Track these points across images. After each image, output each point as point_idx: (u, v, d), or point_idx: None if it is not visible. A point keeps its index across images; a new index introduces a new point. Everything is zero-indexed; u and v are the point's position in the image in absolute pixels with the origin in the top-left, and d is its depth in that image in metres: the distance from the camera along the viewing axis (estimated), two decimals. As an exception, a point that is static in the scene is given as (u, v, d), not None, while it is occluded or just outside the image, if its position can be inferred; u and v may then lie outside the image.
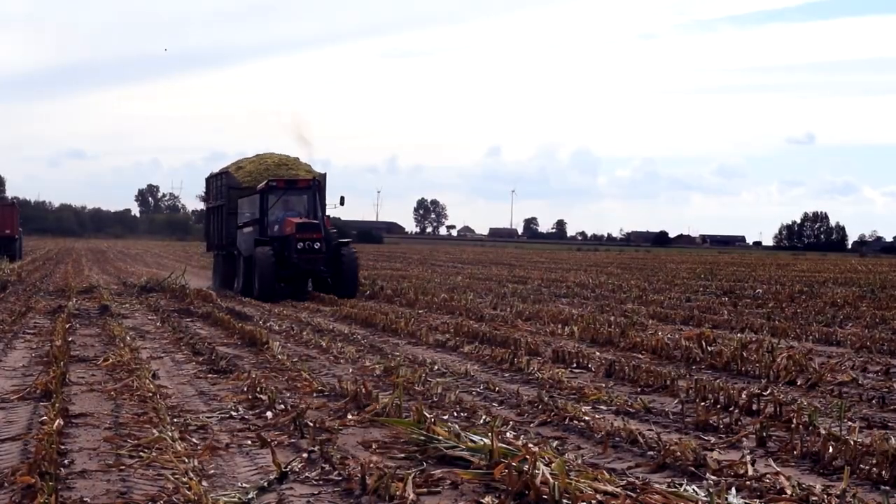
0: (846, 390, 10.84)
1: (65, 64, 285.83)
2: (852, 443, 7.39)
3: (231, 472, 7.04)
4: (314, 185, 27.64)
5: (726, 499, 6.01)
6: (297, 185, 27.86)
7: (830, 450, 7.36)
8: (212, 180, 33.33)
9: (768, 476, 6.67)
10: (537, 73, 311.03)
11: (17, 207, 57.97)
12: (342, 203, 27.76)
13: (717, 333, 15.84)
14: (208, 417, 9.09)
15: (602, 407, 9.83)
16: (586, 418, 8.90)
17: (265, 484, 6.62)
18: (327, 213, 28.45)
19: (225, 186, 30.57)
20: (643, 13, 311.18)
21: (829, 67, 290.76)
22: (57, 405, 8.72)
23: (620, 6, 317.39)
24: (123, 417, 8.86)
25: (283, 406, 9.36)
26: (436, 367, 12.53)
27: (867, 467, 7.04)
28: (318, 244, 26.23)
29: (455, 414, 9.16)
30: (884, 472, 6.88)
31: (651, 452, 7.59)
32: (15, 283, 31.20)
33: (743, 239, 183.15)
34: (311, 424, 8.41)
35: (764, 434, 8.12)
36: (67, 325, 16.71)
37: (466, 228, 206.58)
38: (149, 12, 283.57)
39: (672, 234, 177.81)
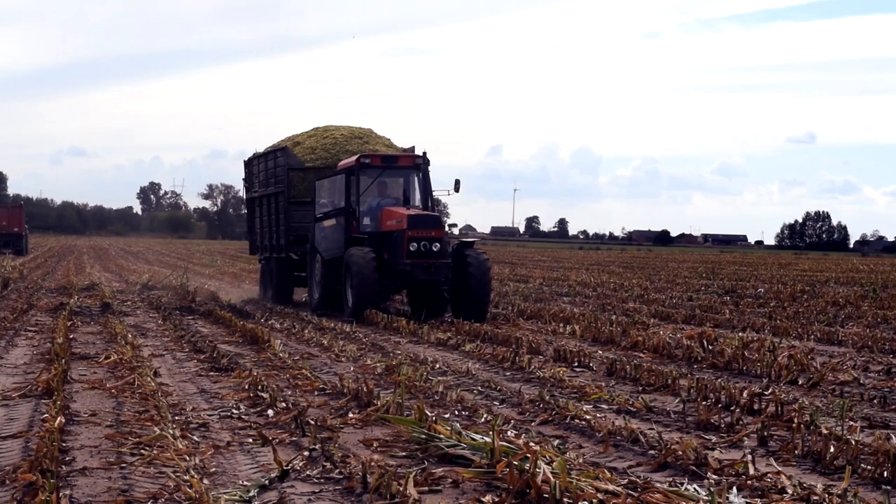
0: (848, 390, 10.84)
1: (66, 62, 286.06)
2: (854, 442, 7.38)
3: (232, 470, 7.04)
4: (421, 164, 20.39)
5: (727, 498, 6.01)
6: (397, 162, 20.73)
7: (832, 449, 7.36)
8: (258, 161, 25.63)
9: (769, 475, 6.67)
10: (539, 71, 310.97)
11: (23, 207, 65.76)
12: (457, 188, 20.36)
13: (718, 332, 15.83)
14: (209, 415, 9.09)
15: (603, 406, 9.83)
16: (587, 417, 8.90)
17: (266, 482, 6.62)
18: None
19: (282, 167, 23.27)
20: (646, 12, 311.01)
21: (830, 67, 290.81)
22: (58, 403, 8.72)
23: (624, 5, 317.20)
24: (125, 415, 8.87)
25: (284, 404, 9.36)
26: (437, 366, 12.53)
27: (868, 467, 7.04)
28: (438, 245, 19.05)
29: (456, 412, 9.17)
30: (885, 472, 6.87)
31: (652, 451, 7.58)
32: (17, 280, 31.22)
33: (745, 238, 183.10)
34: (313, 423, 8.41)
35: (765, 433, 8.12)
36: (69, 323, 16.72)
37: (468, 227, 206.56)
38: (150, 10, 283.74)
39: (674, 234, 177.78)
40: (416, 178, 20.66)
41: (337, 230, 20.35)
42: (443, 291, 19.61)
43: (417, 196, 20.69)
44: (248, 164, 26.43)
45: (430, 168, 20.58)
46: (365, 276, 18.72)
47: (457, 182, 20.39)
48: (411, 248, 18.98)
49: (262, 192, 25.01)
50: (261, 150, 26.08)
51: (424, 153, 20.58)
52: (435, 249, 19.07)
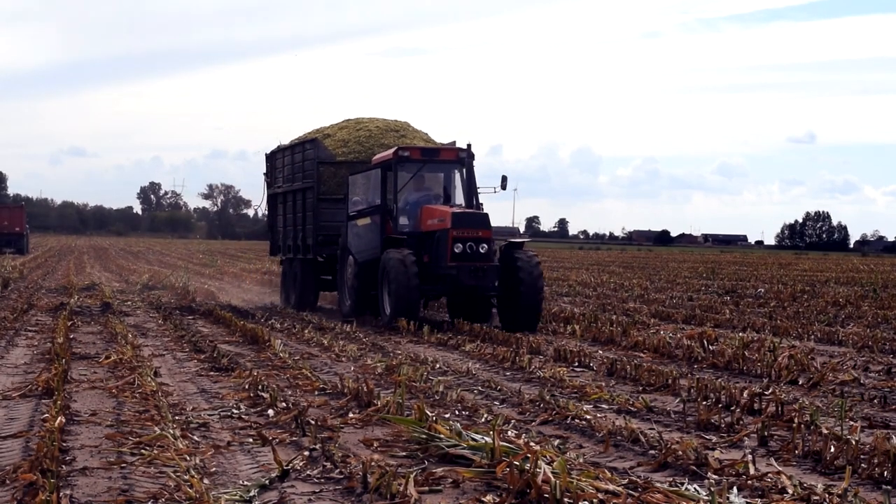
0: (848, 390, 10.84)
1: (66, 62, 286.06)
2: (854, 442, 7.38)
3: (232, 470, 7.04)
4: (464, 159, 18.66)
5: (728, 498, 6.01)
6: (438, 155, 18.95)
7: (832, 449, 7.36)
8: (282, 154, 23.62)
9: (770, 475, 6.67)
10: (539, 71, 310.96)
11: (24, 207, 67.63)
12: (504, 186, 18.56)
13: (718, 332, 15.84)
14: (210, 415, 9.09)
15: (603, 406, 9.83)
16: (588, 417, 8.90)
17: (267, 482, 6.62)
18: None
19: (311, 161, 21.43)
20: (646, 12, 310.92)
21: (830, 67, 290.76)
22: (58, 403, 8.72)
23: (624, 5, 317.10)
24: (125, 415, 8.86)
25: (284, 404, 9.36)
26: (437, 366, 12.53)
27: (869, 467, 7.04)
28: (486, 246, 17.35)
29: (456, 412, 9.17)
30: (885, 472, 6.87)
31: (652, 451, 7.58)
32: (17, 280, 31.22)
33: (745, 238, 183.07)
34: (313, 422, 8.41)
35: (765, 433, 8.12)
36: (69, 323, 16.72)
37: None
38: (150, 10, 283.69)
39: (674, 234, 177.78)
40: (458, 174, 18.90)
41: (372, 230, 18.55)
42: (489, 298, 18.06)
43: (459, 193, 18.93)
44: (271, 157, 24.40)
45: (474, 163, 18.93)
46: (404, 282, 16.96)
47: (503, 179, 18.59)
48: (456, 250, 17.22)
49: (287, 187, 23.03)
50: (275, 144, 24.48)
51: (469, 146, 18.82)
52: (482, 251, 17.31)
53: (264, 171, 24.81)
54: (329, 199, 21.09)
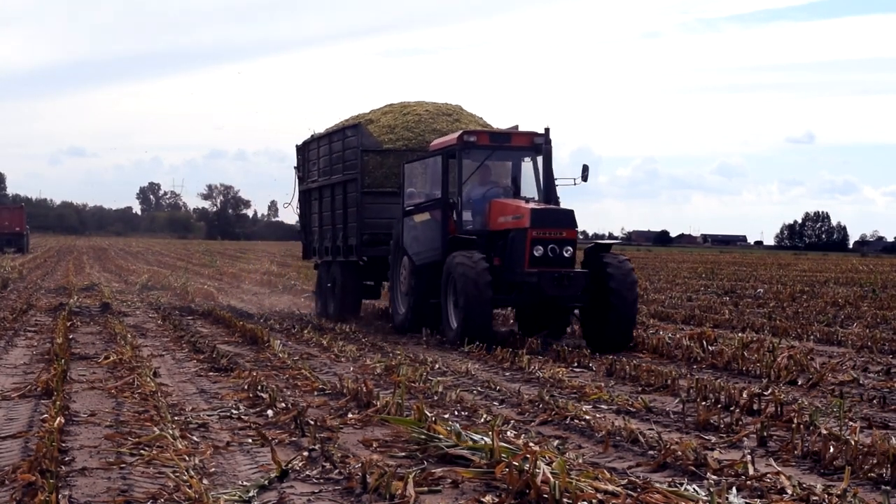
0: (847, 390, 10.84)
1: (66, 62, 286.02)
2: (853, 443, 7.38)
3: (232, 471, 7.04)
4: (541, 145, 16.11)
5: (727, 498, 6.01)
6: (509, 141, 16.35)
7: (831, 450, 7.36)
8: (317, 144, 21.02)
9: (769, 476, 6.67)
10: (539, 71, 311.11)
11: (24, 208, 70.12)
12: (585, 176, 15.85)
13: (718, 333, 15.84)
14: (209, 415, 9.09)
15: (603, 406, 9.83)
16: (587, 417, 8.90)
17: (266, 482, 6.62)
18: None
19: (353, 149, 18.84)
20: (646, 12, 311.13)
21: (830, 67, 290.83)
22: (58, 403, 8.72)
23: (624, 5, 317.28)
24: (124, 415, 8.86)
25: (283, 404, 9.36)
26: (437, 366, 12.53)
27: (868, 467, 7.04)
28: (570, 249, 14.98)
29: (456, 413, 9.17)
30: (885, 472, 6.87)
31: (652, 452, 7.59)
32: (16, 280, 31.22)
33: (744, 238, 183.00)
34: (312, 423, 8.41)
35: (765, 434, 8.12)
36: (68, 323, 16.72)
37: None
38: (149, 10, 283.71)
39: (673, 234, 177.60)
40: (531, 164, 16.45)
41: (431, 228, 16.08)
42: (571, 310, 15.67)
43: (531, 185, 16.47)
44: (304, 148, 21.92)
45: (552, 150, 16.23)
46: (476, 292, 14.40)
47: (584, 168, 15.85)
48: (535, 253, 14.70)
49: (324, 181, 20.36)
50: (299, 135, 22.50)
51: (547, 130, 16.13)
52: (567, 255, 14.85)
53: (295, 164, 22.42)
54: (375, 193, 18.63)
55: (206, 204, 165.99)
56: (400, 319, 16.79)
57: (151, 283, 30.74)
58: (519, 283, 14.88)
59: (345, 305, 19.75)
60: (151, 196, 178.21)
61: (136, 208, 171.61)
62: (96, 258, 56.65)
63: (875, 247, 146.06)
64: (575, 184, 15.94)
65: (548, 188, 16.22)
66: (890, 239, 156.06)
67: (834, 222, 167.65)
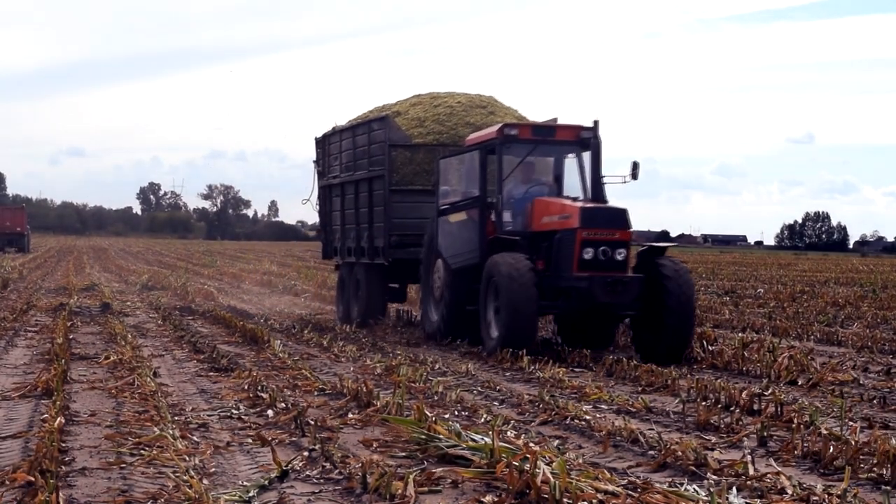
0: (847, 390, 10.85)
1: (66, 62, 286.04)
2: (853, 443, 7.39)
3: (232, 471, 7.04)
4: (589, 140, 14.78)
5: (727, 498, 6.01)
6: (554, 135, 15.14)
7: (831, 450, 7.36)
8: (339, 138, 19.68)
9: (769, 476, 6.67)
10: (538, 71, 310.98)
11: (25, 208, 72.10)
12: (635, 174, 14.55)
13: (718, 333, 15.85)
14: (209, 416, 9.09)
15: (603, 406, 9.83)
16: (587, 417, 8.91)
17: (266, 482, 6.62)
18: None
19: (380, 144, 17.64)
20: (647, 12, 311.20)
21: (830, 67, 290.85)
22: (58, 403, 8.72)
23: (625, 5, 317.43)
24: (124, 415, 8.86)
25: (284, 404, 9.36)
26: (437, 366, 12.54)
27: (868, 467, 7.05)
28: (623, 252, 13.78)
29: (456, 413, 9.17)
30: (885, 472, 6.87)
31: (652, 452, 7.59)
32: (16, 280, 31.23)
33: (744, 238, 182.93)
34: (312, 423, 8.41)
35: (765, 434, 8.12)
36: (69, 323, 16.72)
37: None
38: (149, 10, 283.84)
39: (673, 234, 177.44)
40: (576, 160, 15.24)
41: (468, 228, 14.86)
42: (621, 318, 14.51)
43: (576, 183, 15.24)
44: (323, 141, 20.50)
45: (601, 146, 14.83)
46: (521, 298, 13.23)
47: (634, 165, 14.58)
48: (585, 256, 13.53)
49: (347, 176, 19.10)
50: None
51: (596, 123, 14.82)
52: (619, 258, 13.66)
53: (314, 158, 21.11)
54: (403, 191, 17.44)
55: (206, 204, 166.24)
56: (433, 327, 15.64)
57: (152, 284, 30.74)
58: (566, 288, 13.64)
59: (369, 310, 18.48)
60: (151, 196, 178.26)
61: (136, 208, 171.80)
62: (96, 258, 56.66)
63: (875, 247, 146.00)
64: (625, 182, 14.63)
65: (596, 187, 14.82)
66: (890, 239, 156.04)
67: (834, 222, 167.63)
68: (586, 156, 15.02)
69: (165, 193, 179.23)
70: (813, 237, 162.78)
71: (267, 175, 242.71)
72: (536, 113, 18.20)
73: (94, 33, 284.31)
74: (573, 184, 15.25)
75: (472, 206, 14.90)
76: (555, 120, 17.00)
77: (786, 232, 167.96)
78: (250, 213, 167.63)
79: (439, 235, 15.47)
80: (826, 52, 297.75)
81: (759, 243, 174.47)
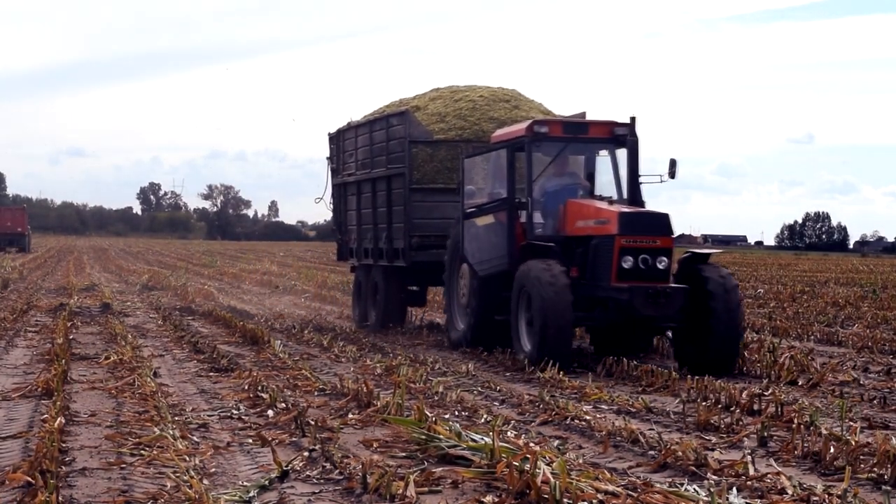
0: (847, 390, 10.85)
1: (66, 62, 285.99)
2: (853, 443, 7.39)
3: (232, 471, 7.05)
4: (625, 137, 13.91)
5: (727, 499, 6.01)
6: (586, 132, 14.25)
7: (832, 450, 7.36)
8: (354, 134, 18.83)
9: (769, 476, 6.67)
10: (538, 71, 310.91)
11: (25, 209, 73.44)
12: (673, 172, 13.82)
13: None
14: (209, 416, 9.10)
15: (603, 406, 9.84)
16: (587, 418, 8.91)
17: (266, 482, 6.62)
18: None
19: (399, 140, 16.75)
20: (647, 12, 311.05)
21: (830, 67, 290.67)
22: (58, 403, 8.72)
23: (625, 5, 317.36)
24: (125, 415, 8.87)
25: (284, 405, 9.36)
26: (437, 366, 12.53)
27: (868, 467, 7.05)
28: (665, 260, 12.93)
29: (456, 413, 9.17)
30: (885, 472, 6.87)
31: (652, 452, 7.59)
32: (16, 280, 31.23)
33: (744, 238, 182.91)
34: (313, 423, 8.41)
35: (765, 434, 8.12)
36: (69, 323, 16.72)
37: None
38: (149, 10, 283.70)
39: (674, 234, 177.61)
40: (608, 158, 14.29)
41: (496, 232, 13.96)
42: (662, 330, 13.69)
43: (610, 182, 14.27)
44: (337, 137, 19.67)
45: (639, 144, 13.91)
46: (556, 310, 12.35)
47: (672, 163, 13.82)
48: (624, 265, 12.66)
49: (363, 174, 18.19)
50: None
51: (633, 119, 13.96)
52: (661, 267, 12.78)
53: (328, 154, 20.22)
54: (424, 190, 16.54)
55: (207, 204, 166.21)
56: (458, 336, 14.72)
57: (152, 284, 30.73)
58: (604, 299, 12.87)
59: (388, 314, 17.64)
60: (152, 196, 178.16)
61: (137, 208, 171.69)
62: (97, 258, 56.66)
63: (875, 247, 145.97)
64: (662, 181, 13.88)
65: (632, 187, 13.93)
66: (890, 239, 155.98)
67: (834, 222, 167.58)
68: (620, 153, 14.10)
69: (165, 193, 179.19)
70: (813, 237, 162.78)
71: (267, 175, 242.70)
72: (563, 107, 17.69)
73: (94, 33, 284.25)
74: (605, 183, 14.32)
75: (500, 208, 14.02)
76: (583, 114, 16.24)
77: (786, 232, 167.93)
78: (250, 213, 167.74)
79: (465, 239, 14.38)
80: (826, 52, 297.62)
81: (759, 243, 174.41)
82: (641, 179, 13.98)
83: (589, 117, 15.87)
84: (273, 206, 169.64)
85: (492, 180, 14.82)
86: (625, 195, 13.94)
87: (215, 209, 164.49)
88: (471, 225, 14.37)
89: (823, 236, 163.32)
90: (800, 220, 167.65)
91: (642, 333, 13.98)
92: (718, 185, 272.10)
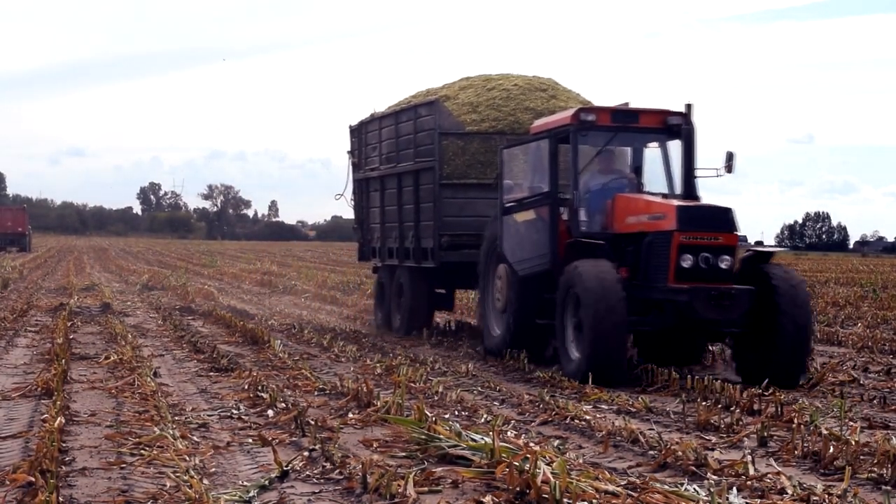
0: (847, 390, 10.85)
1: (66, 62, 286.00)
2: (853, 443, 7.39)
3: (232, 471, 7.05)
4: (680, 127, 12.89)
5: (727, 498, 6.02)
6: (637, 121, 13.16)
7: (831, 450, 7.36)
8: (378, 126, 17.86)
9: (769, 476, 6.67)
10: (538, 71, 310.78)
11: (26, 209, 73.57)
12: (730, 166, 12.72)
13: (718, 333, 15.81)
14: (209, 416, 9.10)
15: (603, 406, 9.84)
16: (587, 418, 8.91)
17: (266, 482, 6.62)
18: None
19: (428, 131, 15.73)
20: (647, 12, 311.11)
21: (830, 67, 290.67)
22: (58, 403, 8.72)
23: (625, 5, 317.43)
24: (125, 415, 8.87)
25: (284, 404, 9.36)
26: (437, 366, 12.54)
27: (868, 467, 7.05)
28: (728, 260, 11.78)
29: (456, 413, 9.17)
30: (885, 472, 6.88)
31: (652, 452, 7.59)
32: (17, 280, 31.23)
33: (744, 238, 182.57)
34: (313, 423, 8.41)
35: (765, 434, 8.12)
36: (69, 323, 16.72)
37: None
38: (149, 10, 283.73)
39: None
40: (659, 151, 13.28)
41: (538, 229, 12.97)
42: (723, 336, 12.54)
43: (661, 176, 13.31)
44: (360, 129, 18.64)
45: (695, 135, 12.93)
46: (610, 316, 11.30)
47: (729, 156, 12.75)
48: (683, 264, 11.61)
49: (389, 169, 17.17)
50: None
51: (689, 107, 13.02)
52: (724, 266, 11.69)
53: (349, 148, 19.32)
54: (455, 185, 15.50)
55: (207, 204, 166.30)
56: (495, 342, 13.69)
57: (152, 284, 30.73)
58: (660, 301, 11.83)
59: (414, 318, 16.63)
60: (152, 196, 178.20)
61: (137, 208, 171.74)
62: (97, 258, 56.66)
63: (875, 247, 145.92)
64: (719, 175, 12.79)
65: (688, 181, 12.93)
66: (890, 239, 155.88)
67: (834, 222, 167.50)
68: (673, 146, 13.13)
69: (165, 193, 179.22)
70: (813, 237, 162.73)
71: (267, 175, 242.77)
72: (603, 98, 16.81)
73: (94, 33, 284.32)
74: (655, 177, 13.33)
75: (542, 203, 12.97)
76: (627, 104, 14.62)
77: (786, 232, 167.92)
78: (250, 213, 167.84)
79: (504, 237, 13.40)
80: (826, 52, 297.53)
81: (759, 243, 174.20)
82: (697, 173, 12.99)
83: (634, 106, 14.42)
84: (273, 206, 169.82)
85: (532, 173, 13.67)
86: (677, 190, 12.94)
87: (215, 209, 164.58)
88: (510, 221, 13.38)
89: (823, 236, 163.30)
90: (800, 220, 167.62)
91: (700, 340, 12.95)
92: (718, 185, 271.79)
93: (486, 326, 14.09)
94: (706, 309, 11.43)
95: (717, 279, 11.62)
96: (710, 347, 13.46)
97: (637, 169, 13.39)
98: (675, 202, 12.10)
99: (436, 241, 15.55)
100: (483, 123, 15.88)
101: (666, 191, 13.04)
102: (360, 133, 18.60)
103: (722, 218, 11.90)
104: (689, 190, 12.88)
